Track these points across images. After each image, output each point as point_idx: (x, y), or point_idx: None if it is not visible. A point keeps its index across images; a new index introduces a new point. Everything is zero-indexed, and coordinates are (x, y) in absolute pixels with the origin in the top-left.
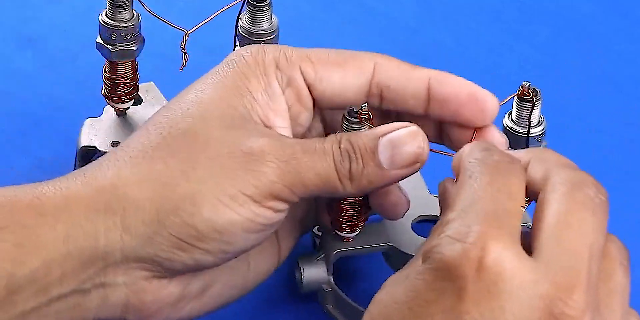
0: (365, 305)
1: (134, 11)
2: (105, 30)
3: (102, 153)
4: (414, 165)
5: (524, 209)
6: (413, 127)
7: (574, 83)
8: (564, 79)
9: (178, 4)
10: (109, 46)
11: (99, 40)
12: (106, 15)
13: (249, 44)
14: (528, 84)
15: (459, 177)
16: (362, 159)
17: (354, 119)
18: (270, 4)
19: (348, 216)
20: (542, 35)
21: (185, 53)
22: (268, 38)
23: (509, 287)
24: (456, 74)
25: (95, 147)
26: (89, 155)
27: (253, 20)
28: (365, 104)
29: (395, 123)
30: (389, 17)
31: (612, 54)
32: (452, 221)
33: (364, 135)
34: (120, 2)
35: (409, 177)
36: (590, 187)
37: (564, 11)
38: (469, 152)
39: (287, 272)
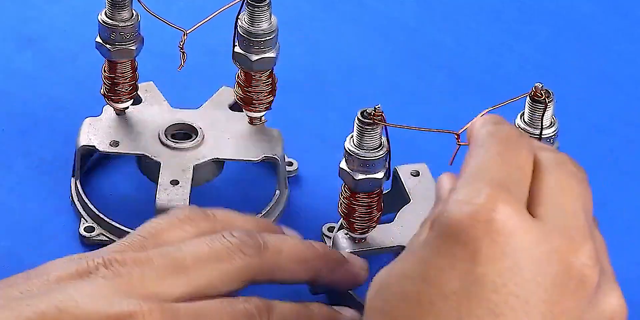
0: None
1: (133, 11)
2: (105, 30)
3: (101, 153)
4: None
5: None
6: None
7: (574, 83)
8: (564, 79)
9: (177, 3)
10: (108, 46)
11: (98, 39)
12: (105, 14)
13: (248, 44)
14: (541, 86)
15: (469, 148)
16: None
17: (367, 120)
18: (269, 4)
19: (360, 217)
20: (542, 35)
21: (183, 53)
22: (267, 38)
23: (522, 245)
24: (456, 74)
25: (94, 146)
26: (88, 154)
27: (252, 20)
28: (379, 105)
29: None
30: (389, 17)
31: (612, 54)
32: (461, 187)
33: None
34: (119, 1)
35: (420, 178)
36: (573, 164)
37: (564, 11)
38: (480, 125)
39: None
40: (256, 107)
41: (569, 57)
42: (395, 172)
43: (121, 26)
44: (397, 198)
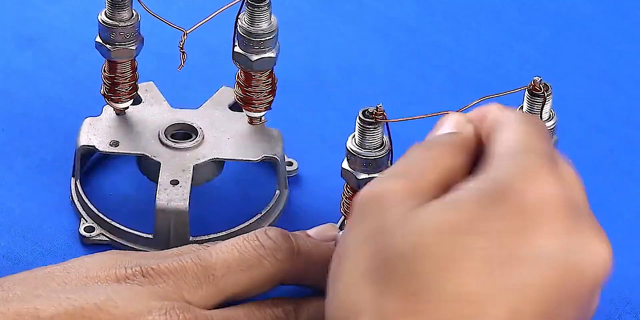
0: None
1: (133, 11)
2: (105, 30)
3: (101, 153)
4: None
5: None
6: None
7: (574, 83)
8: (564, 79)
9: (177, 3)
10: (108, 46)
11: (98, 39)
12: (105, 14)
13: (248, 43)
14: (540, 79)
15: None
16: None
17: (369, 119)
18: (269, 4)
19: None
20: (542, 35)
21: (183, 53)
22: (267, 38)
23: (577, 224)
24: (456, 74)
25: (94, 146)
26: (88, 154)
27: (252, 20)
28: (381, 104)
29: None
30: (389, 17)
31: (612, 54)
32: (517, 159)
33: None
34: (119, 1)
35: None
36: (535, 120)
37: (564, 11)
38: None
39: None
40: (256, 107)
41: (569, 57)
42: None
43: (121, 26)
44: None
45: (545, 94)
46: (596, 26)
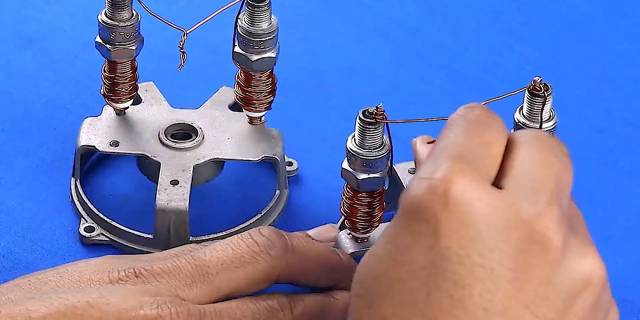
0: None
1: (133, 11)
2: (105, 30)
3: (101, 153)
4: None
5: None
6: None
7: (574, 83)
8: (564, 79)
9: (177, 3)
10: (108, 46)
11: (98, 39)
12: (105, 14)
13: (248, 43)
14: (540, 79)
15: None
16: None
17: (369, 120)
18: (269, 4)
19: (362, 217)
20: (542, 35)
21: (183, 53)
22: (267, 38)
23: (482, 214)
24: (456, 74)
25: (94, 146)
26: (88, 154)
27: (252, 20)
28: (381, 104)
29: None
30: (389, 17)
31: (612, 54)
32: (424, 164)
33: None
34: (119, 1)
35: None
36: (551, 139)
37: (564, 11)
38: (456, 111)
39: None
40: (256, 107)
41: (569, 57)
42: (393, 170)
43: (121, 26)
44: (395, 196)
45: (546, 94)
46: (596, 26)
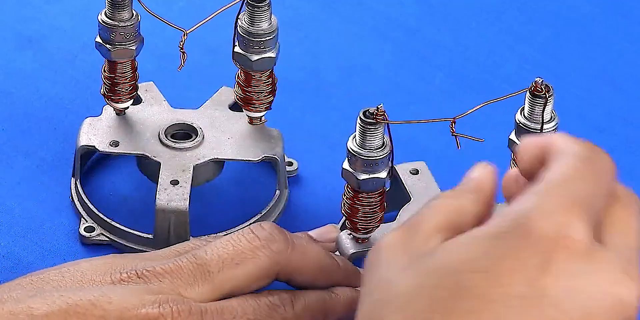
0: None
1: (133, 11)
2: (105, 30)
3: (101, 153)
4: None
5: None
6: None
7: (574, 83)
8: (564, 79)
9: (178, 3)
10: (108, 46)
11: (98, 39)
12: (105, 14)
13: (248, 44)
14: (541, 80)
15: (549, 155)
16: None
17: (370, 120)
18: (269, 4)
19: (363, 217)
20: (542, 35)
21: (183, 53)
22: (267, 38)
23: (588, 268)
24: (456, 74)
25: (94, 146)
26: (88, 154)
27: (252, 20)
28: (382, 105)
29: None
30: (389, 17)
31: (612, 54)
32: (545, 195)
33: None
34: (119, 1)
35: (419, 176)
36: (598, 156)
37: (564, 11)
38: (572, 141)
39: None
40: (256, 107)
41: (569, 57)
42: (394, 170)
43: (121, 26)
44: (396, 196)
45: (547, 95)
46: (596, 26)
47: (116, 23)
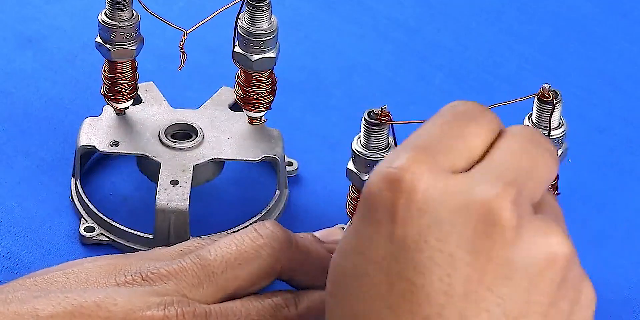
0: None
1: (133, 11)
2: (105, 30)
3: (102, 153)
4: None
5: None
6: None
7: (574, 83)
8: (564, 79)
9: (178, 3)
10: (108, 46)
11: (98, 39)
12: (105, 14)
13: (248, 43)
14: (549, 86)
15: None
16: None
17: (374, 121)
18: (269, 4)
19: None
20: (542, 35)
21: (183, 53)
22: (267, 38)
23: (440, 199)
24: (456, 74)
25: (94, 146)
26: (88, 154)
27: (252, 20)
28: (386, 105)
29: None
30: (389, 17)
31: (612, 54)
32: (388, 155)
33: None
34: (119, 1)
35: None
36: (541, 135)
37: (564, 11)
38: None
39: None
40: (256, 107)
41: (569, 57)
42: None
43: (121, 26)
44: None
45: (554, 102)
46: (596, 26)
47: (116, 23)
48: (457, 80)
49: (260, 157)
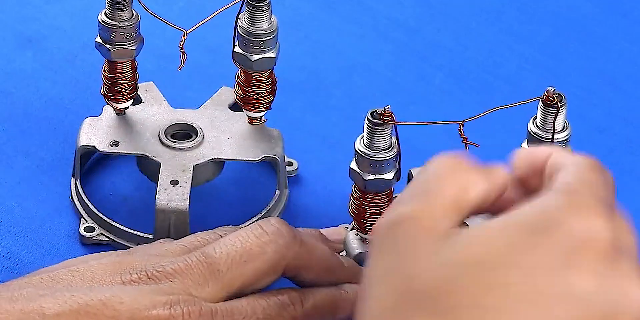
0: None
1: (133, 11)
2: (105, 30)
3: (102, 152)
4: None
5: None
6: None
7: (574, 83)
8: (564, 79)
9: (178, 3)
10: (108, 46)
11: (98, 39)
12: (105, 14)
13: (248, 43)
14: (553, 90)
15: (553, 164)
16: None
17: (377, 121)
18: (269, 4)
19: (371, 218)
20: (542, 35)
21: (183, 53)
22: (267, 38)
23: (615, 273)
24: (456, 74)
25: (94, 146)
26: (88, 154)
27: (252, 20)
28: (389, 106)
29: None
30: (389, 17)
31: (612, 54)
32: (575, 193)
33: None
34: (119, 1)
35: None
36: (601, 168)
37: (564, 11)
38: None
39: None
40: (256, 107)
41: (569, 57)
42: (410, 174)
43: (121, 26)
44: None
45: (559, 105)
46: (596, 26)
47: (116, 23)
48: (457, 80)
49: (260, 157)
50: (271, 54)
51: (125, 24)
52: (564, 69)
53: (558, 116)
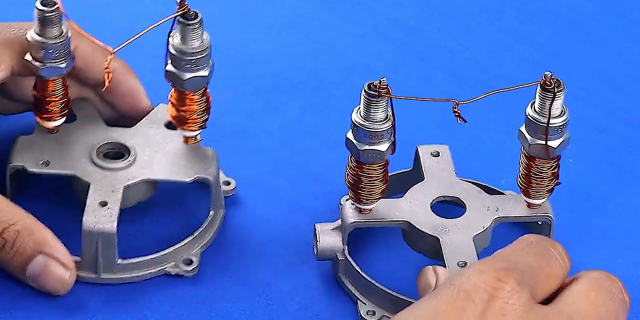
0: (376, 277)
1: (63, 28)
2: (34, 47)
3: (31, 173)
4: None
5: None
6: None
7: (574, 83)
8: (564, 79)
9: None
10: (37, 63)
11: (27, 57)
12: (35, 31)
13: (180, 62)
14: (551, 74)
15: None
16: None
17: (373, 92)
18: (201, 22)
19: (366, 188)
20: (542, 35)
21: (108, 73)
22: (200, 56)
23: (518, 315)
24: (456, 74)
25: (23, 166)
26: (20, 173)
27: (184, 38)
28: (384, 78)
29: None
30: (389, 17)
31: (612, 54)
32: (482, 262)
33: None
34: (47, 18)
35: (439, 158)
36: (610, 280)
37: (564, 11)
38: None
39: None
40: (190, 127)
41: (569, 57)
42: (417, 151)
43: (50, 44)
44: (415, 176)
45: (556, 90)
46: (596, 26)
47: (45, 40)
48: (457, 80)
49: (193, 177)
50: (204, 73)
51: (55, 42)
52: (564, 69)
53: (555, 101)
